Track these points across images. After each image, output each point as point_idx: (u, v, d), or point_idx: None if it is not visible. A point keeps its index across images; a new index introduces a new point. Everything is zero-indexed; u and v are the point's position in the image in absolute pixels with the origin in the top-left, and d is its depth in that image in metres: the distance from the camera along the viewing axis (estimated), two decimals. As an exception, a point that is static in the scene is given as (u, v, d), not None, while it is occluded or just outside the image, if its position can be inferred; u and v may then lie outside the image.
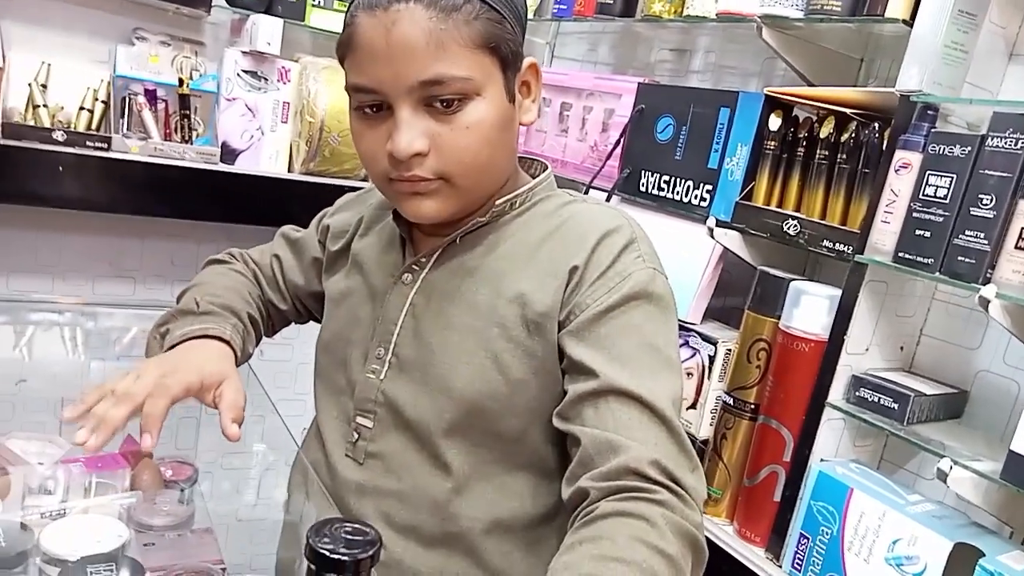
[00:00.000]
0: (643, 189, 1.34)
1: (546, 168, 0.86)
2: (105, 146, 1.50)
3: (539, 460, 0.77)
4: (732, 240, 1.19)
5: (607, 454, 0.65)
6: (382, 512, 0.79)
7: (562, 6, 1.43)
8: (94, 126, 1.54)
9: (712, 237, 1.20)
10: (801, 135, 1.14)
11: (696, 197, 1.25)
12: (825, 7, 1.06)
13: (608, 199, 1.37)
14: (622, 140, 1.36)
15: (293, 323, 1.05)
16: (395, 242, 0.86)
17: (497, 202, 0.78)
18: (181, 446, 1.58)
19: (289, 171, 1.75)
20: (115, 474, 1.12)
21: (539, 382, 0.74)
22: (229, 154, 1.66)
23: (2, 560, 0.89)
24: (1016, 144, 0.85)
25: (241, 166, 1.68)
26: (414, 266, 0.80)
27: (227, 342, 0.86)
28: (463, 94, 0.69)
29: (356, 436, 0.82)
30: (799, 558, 1.03)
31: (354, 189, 1.83)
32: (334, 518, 0.55)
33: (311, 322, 1.05)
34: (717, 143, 1.22)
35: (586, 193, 1.40)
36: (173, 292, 1.95)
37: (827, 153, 1.09)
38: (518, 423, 0.75)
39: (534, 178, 0.83)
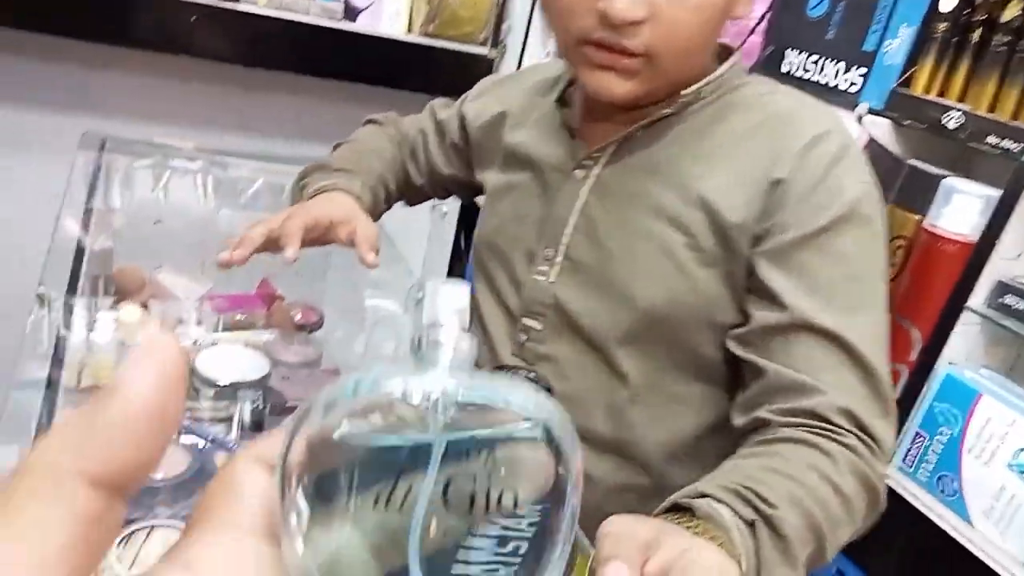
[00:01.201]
0: (786, 70, 1.26)
1: (730, 52, 0.76)
2: (236, -4, 1.50)
3: (712, 371, 0.73)
4: (881, 130, 1.12)
5: (794, 394, 0.61)
6: None
7: None
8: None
9: (860, 124, 1.13)
10: (978, 18, 1.04)
11: (846, 81, 1.17)
12: None
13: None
14: (768, 13, 1.28)
15: (431, 198, 1.03)
16: (559, 132, 0.79)
17: (684, 92, 0.71)
18: (308, 293, 1.67)
19: (408, 32, 1.73)
20: (253, 313, 1.21)
21: (727, 294, 0.69)
22: (351, 10, 1.65)
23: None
24: None
25: (362, 24, 1.67)
26: (586, 160, 0.75)
27: (357, 197, 0.88)
28: None
29: (524, 337, 0.79)
30: (912, 455, 1.03)
31: (472, 56, 1.82)
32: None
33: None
34: (878, 23, 1.13)
35: (722, 71, 1.34)
36: (296, 147, 2.01)
37: (1008, 39, 1.00)
38: (698, 335, 0.71)
39: (720, 63, 0.74)
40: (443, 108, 0.98)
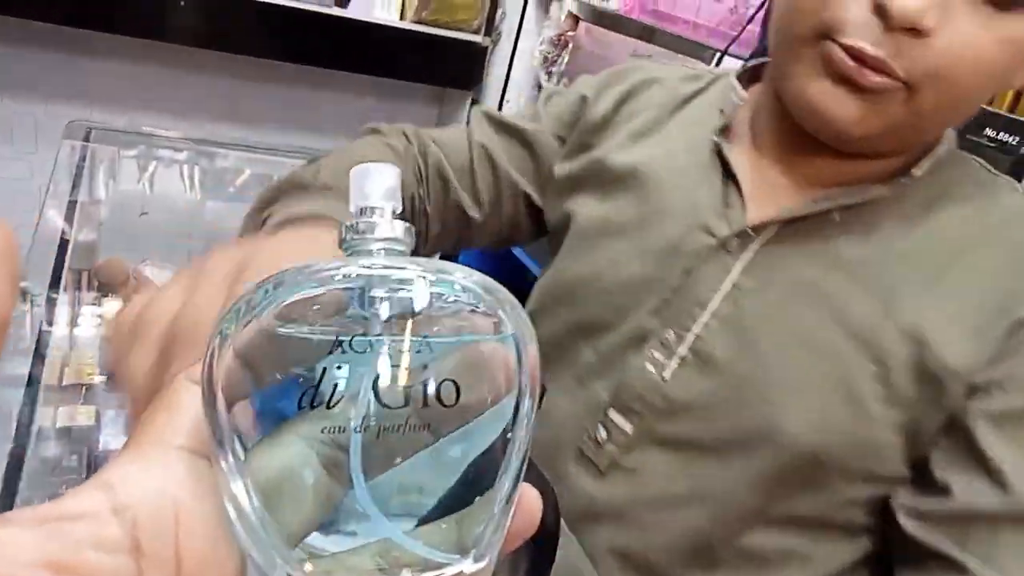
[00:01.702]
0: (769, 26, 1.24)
1: None
2: (224, -19, 1.47)
3: (839, 530, 0.56)
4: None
5: None
6: (617, 547, 0.57)
7: None
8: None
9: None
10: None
11: (845, 71, 1.15)
12: None
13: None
14: (767, 2, 1.25)
15: (480, 244, 0.71)
16: (711, 174, 0.57)
17: (914, 172, 0.53)
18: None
19: (401, 19, 1.70)
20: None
21: (901, 445, 0.51)
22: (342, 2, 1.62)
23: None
24: None
25: (353, 10, 1.64)
26: (749, 231, 0.54)
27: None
28: None
29: (605, 435, 0.58)
30: None
31: (466, 44, 1.79)
32: None
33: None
34: (878, 11, 1.11)
35: (718, 62, 1.31)
36: (286, 136, 1.97)
37: None
38: (841, 485, 0.53)
39: None
40: (506, 116, 0.70)
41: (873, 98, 0.47)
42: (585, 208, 0.63)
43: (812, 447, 0.51)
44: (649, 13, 1.45)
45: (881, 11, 0.44)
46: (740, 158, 0.57)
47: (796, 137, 0.54)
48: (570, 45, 1.65)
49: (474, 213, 0.67)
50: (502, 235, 0.70)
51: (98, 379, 0.96)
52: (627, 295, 0.58)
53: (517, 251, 1.57)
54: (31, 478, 0.70)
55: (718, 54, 1.32)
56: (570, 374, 0.61)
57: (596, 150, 0.65)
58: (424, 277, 0.21)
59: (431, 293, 0.21)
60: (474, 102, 1.87)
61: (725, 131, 0.58)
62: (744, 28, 1.28)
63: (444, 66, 1.78)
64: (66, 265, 1.10)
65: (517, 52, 1.77)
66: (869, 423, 0.50)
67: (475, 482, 0.21)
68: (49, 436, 0.81)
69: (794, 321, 0.52)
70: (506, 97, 1.84)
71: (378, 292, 0.21)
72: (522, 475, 0.22)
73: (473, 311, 0.22)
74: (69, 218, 1.23)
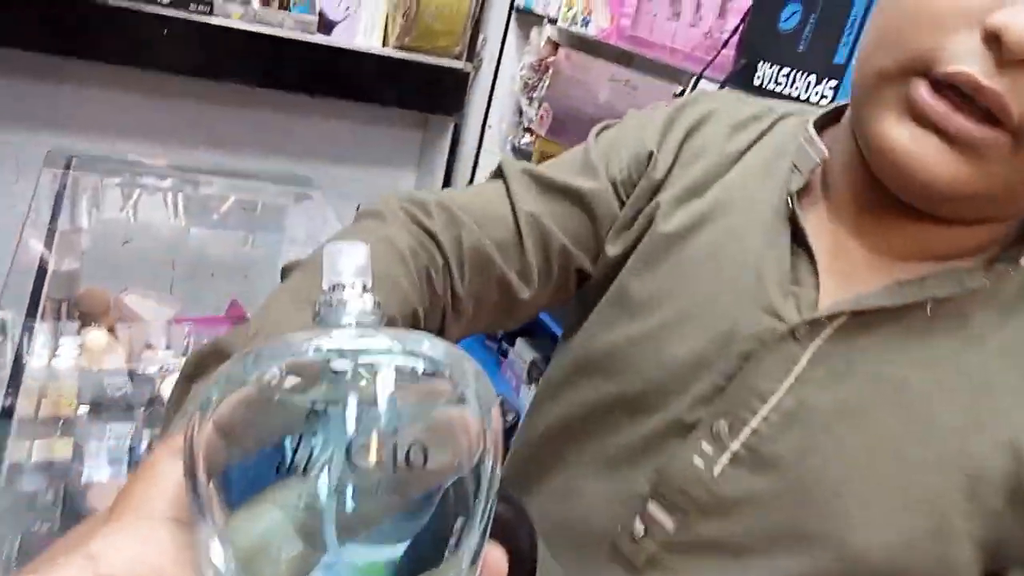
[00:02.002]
0: (758, 82, 1.26)
1: None
2: (207, 10, 1.49)
3: None
4: (854, 142, 1.12)
5: None
6: None
7: None
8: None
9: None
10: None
11: (817, 94, 1.17)
12: None
13: (722, 89, 1.30)
14: (740, 27, 1.28)
15: (520, 321, 0.60)
16: (781, 240, 0.48)
17: (1016, 260, 0.44)
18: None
19: (384, 45, 1.72)
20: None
21: (978, 560, 0.45)
22: (325, 24, 1.64)
23: (128, 405, 0.96)
24: None
25: (336, 38, 1.65)
26: (823, 319, 0.46)
27: None
28: None
29: (642, 531, 0.51)
30: None
31: (447, 70, 1.81)
32: None
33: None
34: (848, 36, 1.13)
35: (694, 85, 1.34)
36: (268, 163, 1.96)
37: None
38: None
39: None
40: (549, 170, 0.58)
41: (969, 152, 0.38)
42: (631, 274, 0.55)
43: (883, 563, 0.44)
44: (627, 39, 1.47)
45: (995, 40, 0.36)
46: (813, 224, 0.48)
47: (878, 197, 0.45)
48: (550, 70, 1.68)
49: (523, 293, 0.56)
50: (547, 305, 0.60)
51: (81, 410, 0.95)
52: (674, 376, 0.50)
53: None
54: (5, 514, 0.69)
55: (694, 78, 1.34)
56: (602, 454, 0.54)
57: (646, 207, 0.56)
58: (393, 348, 0.23)
59: (399, 363, 0.23)
60: (456, 127, 1.89)
61: (800, 192, 0.48)
62: (719, 52, 1.30)
63: (427, 92, 1.80)
64: (44, 293, 1.09)
65: (498, 77, 1.79)
66: (949, 539, 0.44)
67: (443, 541, 0.22)
68: (24, 470, 0.80)
69: (871, 424, 0.45)
70: (488, 121, 1.86)
71: (350, 362, 0.22)
72: (488, 532, 0.23)
73: (440, 378, 0.23)
74: (49, 246, 1.23)
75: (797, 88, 1.21)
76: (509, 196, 0.56)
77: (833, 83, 1.16)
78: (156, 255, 1.60)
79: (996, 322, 0.44)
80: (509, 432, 0.57)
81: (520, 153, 1.80)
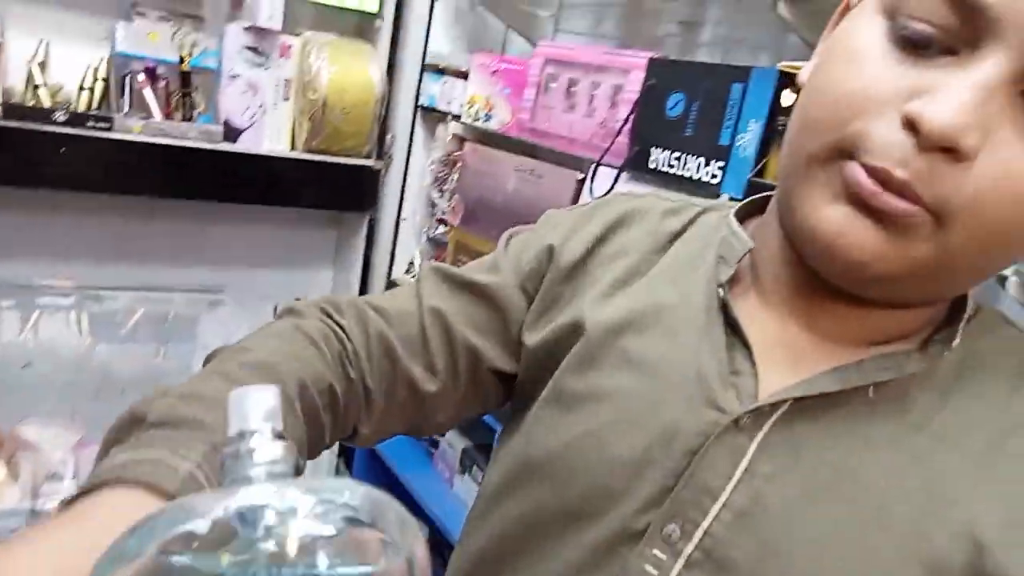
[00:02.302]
0: (652, 166, 1.33)
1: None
2: (107, 126, 1.47)
3: None
4: (744, 218, 1.18)
5: None
6: None
7: (569, -21, 1.41)
8: (95, 105, 1.52)
9: (724, 215, 1.19)
10: (815, 111, 1.12)
11: (707, 174, 1.24)
12: (841, -20, 1.04)
13: (617, 176, 1.36)
14: (631, 117, 1.35)
15: (442, 421, 0.60)
16: (715, 332, 0.49)
17: (948, 342, 0.45)
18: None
19: (292, 149, 1.73)
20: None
21: None
22: (231, 132, 1.64)
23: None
24: None
25: (244, 145, 1.66)
26: (765, 408, 0.45)
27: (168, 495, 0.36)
28: None
29: None
30: None
31: (358, 168, 1.84)
32: None
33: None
34: (729, 119, 1.21)
35: (594, 172, 1.39)
36: (177, 274, 1.94)
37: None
38: None
39: None
40: (460, 272, 0.59)
41: (896, 229, 0.39)
42: (567, 372, 0.53)
43: None
44: (528, 131, 1.53)
45: (913, 126, 0.37)
46: (746, 313, 0.48)
47: (809, 283, 0.46)
48: (458, 164, 1.72)
49: (429, 386, 0.56)
50: (466, 407, 0.60)
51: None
52: (619, 478, 0.48)
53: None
54: None
55: (594, 164, 1.40)
56: (550, 571, 0.51)
57: (570, 308, 0.56)
58: (307, 503, 0.21)
59: (316, 514, 0.21)
60: (371, 223, 1.91)
61: (730, 283, 0.49)
62: (613, 140, 1.37)
63: (339, 191, 1.81)
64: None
65: (409, 173, 1.83)
66: None
67: None
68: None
69: (824, 515, 0.43)
70: (402, 215, 1.89)
71: (260, 519, 0.21)
72: None
73: (360, 528, 0.22)
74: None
75: (688, 169, 1.27)
76: (417, 294, 0.58)
77: (720, 163, 1.23)
78: (60, 376, 1.53)
79: (936, 405, 0.44)
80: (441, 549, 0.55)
81: (436, 244, 1.83)
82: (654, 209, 0.58)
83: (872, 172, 0.38)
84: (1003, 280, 0.88)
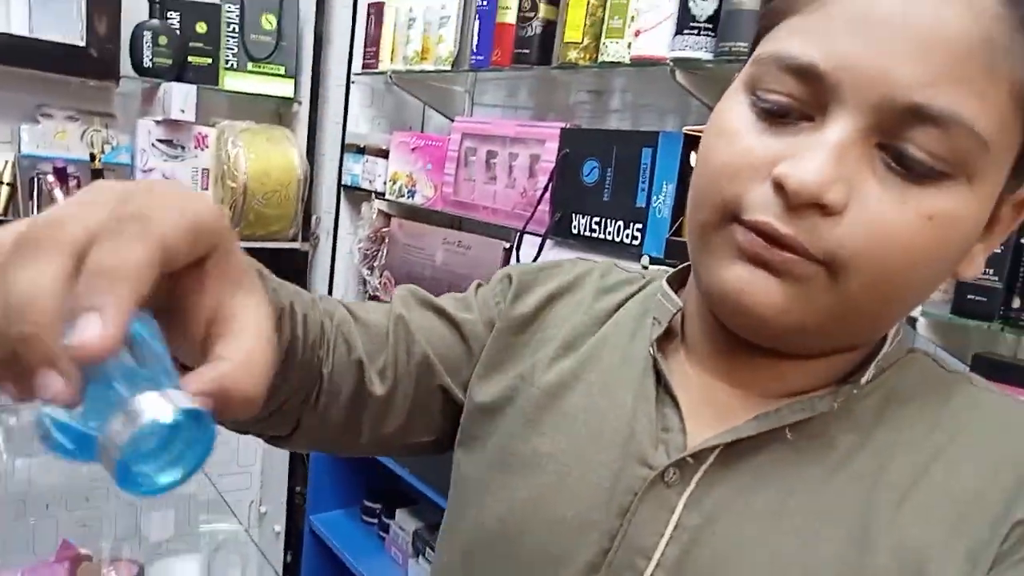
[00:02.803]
0: (575, 231, 1.36)
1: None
2: (15, 231, 1.43)
3: None
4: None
5: None
6: None
7: (480, 57, 1.45)
8: (2, 210, 1.47)
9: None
10: (722, 170, 1.17)
11: (628, 236, 1.27)
12: (733, 49, 1.10)
13: (542, 243, 1.38)
14: (550, 185, 1.38)
15: (374, 436, 0.58)
16: (648, 391, 0.50)
17: (858, 380, 0.46)
18: (121, 537, 1.50)
19: (214, 238, 1.71)
20: (53, 584, 1.06)
21: None
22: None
23: None
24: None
25: (163, 238, 1.63)
26: (689, 459, 0.46)
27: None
28: (955, 163, 0.39)
29: None
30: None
31: (285, 251, 1.82)
32: None
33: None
34: (643, 182, 1.25)
35: (519, 240, 1.41)
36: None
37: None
38: None
39: None
40: (430, 296, 0.61)
41: (794, 283, 0.41)
42: (512, 436, 0.54)
43: None
44: (452, 204, 1.55)
45: (781, 189, 0.39)
46: (677, 372, 0.51)
47: (727, 340, 0.48)
48: (386, 240, 1.72)
49: (377, 388, 0.55)
50: (407, 427, 0.58)
51: None
52: (561, 543, 0.49)
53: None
54: None
55: (518, 233, 1.42)
56: None
57: (519, 366, 0.57)
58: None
59: None
60: (302, 304, 1.88)
61: (662, 342, 0.51)
62: (535, 209, 1.39)
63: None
64: None
65: (337, 251, 1.82)
66: None
67: None
68: None
69: (756, 563, 0.44)
70: (333, 294, 1.87)
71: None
72: None
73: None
74: None
75: (609, 233, 1.30)
76: (390, 305, 0.59)
77: (639, 225, 1.26)
78: (-25, 498, 1.44)
79: (857, 444, 0.45)
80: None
81: (370, 321, 1.82)
82: (608, 277, 0.60)
83: (755, 227, 0.41)
84: (913, 322, 0.92)
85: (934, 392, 0.48)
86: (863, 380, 0.46)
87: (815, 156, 0.39)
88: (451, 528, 0.58)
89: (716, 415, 0.48)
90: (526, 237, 1.42)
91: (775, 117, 0.42)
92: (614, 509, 0.47)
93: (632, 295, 0.58)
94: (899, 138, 0.39)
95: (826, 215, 0.39)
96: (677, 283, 0.56)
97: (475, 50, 1.46)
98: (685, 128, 1.18)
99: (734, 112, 0.44)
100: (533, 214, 1.40)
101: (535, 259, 1.38)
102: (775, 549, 0.43)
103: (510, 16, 1.37)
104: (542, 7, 1.33)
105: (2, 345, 0.25)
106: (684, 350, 0.52)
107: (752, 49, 0.45)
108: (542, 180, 1.40)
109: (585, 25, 1.26)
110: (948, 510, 0.42)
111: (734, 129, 0.43)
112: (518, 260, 1.42)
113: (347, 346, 0.55)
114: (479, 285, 0.63)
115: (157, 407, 0.25)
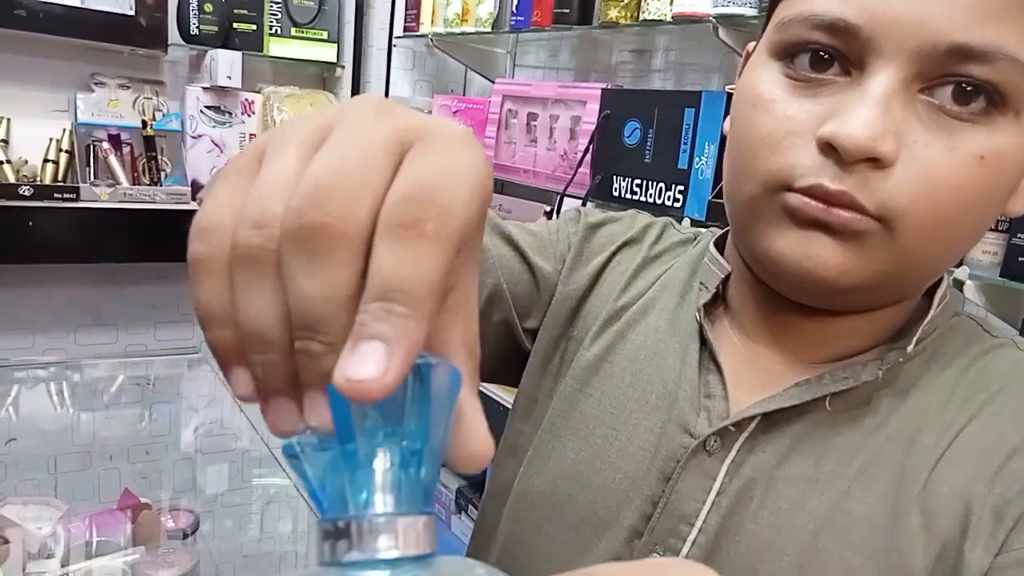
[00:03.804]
0: (616, 194, 1.35)
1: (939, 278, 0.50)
2: (74, 196, 1.48)
3: None
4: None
5: None
6: None
7: (520, 17, 1.44)
8: (60, 177, 1.53)
9: (688, 238, 1.21)
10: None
11: (669, 199, 1.26)
12: (778, 3, 1.07)
13: (584, 205, 1.38)
14: (591, 147, 1.37)
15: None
16: (693, 356, 0.51)
17: (903, 348, 0.46)
18: (179, 489, 1.57)
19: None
20: (116, 530, 1.12)
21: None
22: (199, 191, 1.66)
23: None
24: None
25: (213, 202, 1.68)
26: (730, 427, 0.47)
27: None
28: (1004, 96, 0.38)
29: None
30: None
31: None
32: None
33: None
34: (685, 143, 1.23)
35: (560, 203, 1.41)
36: (156, 336, 1.94)
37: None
38: None
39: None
40: (528, 242, 0.59)
41: (852, 241, 0.40)
42: (559, 402, 0.55)
43: None
44: (493, 167, 1.55)
45: (831, 149, 0.39)
46: (722, 338, 0.50)
47: (769, 302, 0.48)
48: (428, 203, 1.74)
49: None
50: (493, 348, 0.58)
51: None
52: (606, 506, 0.49)
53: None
54: None
55: (559, 196, 1.42)
56: None
57: (575, 325, 0.57)
58: None
59: None
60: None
61: (708, 307, 0.51)
62: (576, 172, 1.39)
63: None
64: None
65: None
66: None
67: None
68: None
69: (797, 531, 0.44)
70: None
71: None
72: None
73: None
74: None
75: (650, 195, 1.29)
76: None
77: (681, 187, 1.25)
78: (44, 449, 1.52)
79: (895, 406, 0.45)
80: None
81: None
82: (665, 236, 0.60)
83: (809, 192, 0.40)
84: (960, 285, 0.90)
85: (978, 356, 0.47)
86: (908, 348, 0.45)
87: (861, 110, 0.38)
88: (498, 488, 0.58)
89: (759, 381, 0.48)
90: (566, 200, 1.42)
91: (809, 80, 0.41)
92: (655, 475, 0.48)
93: (680, 256, 0.58)
94: (944, 80, 0.38)
95: (877, 169, 0.39)
96: (723, 246, 0.55)
97: (515, 11, 1.44)
98: (728, 87, 1.16)
99: (766, 81, 0.43)
100: (574, 176, 1.40)
101: (575, 222, 1.38)
102: (811, 514, 0.44)
103: (550, -25, 1.35)
104: (583, -35, 1.30)
105: (277, 344, 0.21)
106: (728, 315, 0.52)
107: (769, 16, 0.44)
108: (583, 142, 1.39)
109: (626, -17, 1.23)
110: (985, 463, 0.42)
111: (769, 98, 0.42)
112: (559, 223, 1.43)
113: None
114: (549, 221, 0.62)
115: (383, 542, 0.20)
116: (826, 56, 0.40)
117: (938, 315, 0.48)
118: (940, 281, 0.49)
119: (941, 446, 0.44)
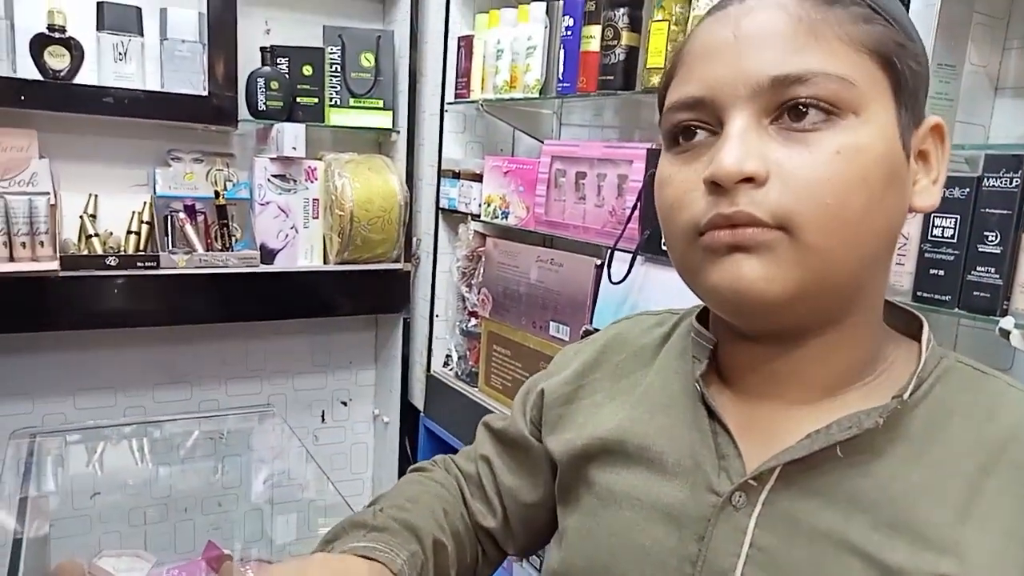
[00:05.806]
0: (664, 248, 1.39)
1: (916, 318, 0.56)
2: (154, 264, 1.60)
3: None
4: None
5: None
6: None
7: (566, 84, 1.51)
8: (142, 247, 1.65)
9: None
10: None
11: (716, 252, 1.30)
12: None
13: (633, 259, 1.43)
14: (638, 204, 1.43)
15: (509, 555, 0.73)
16: (701, 423, 0.56)
17: (901, 396, 0.49)
18: (249, 539, 1.64)
19: (325, 263, 1.84)
20: (200, 581, 1.19)
21: None
22: (268, 254, 1.76)
23: None
24: (1011, 183, 0.90)
25: (280, 264, 1.77)
26: (751, 481, 0.50)
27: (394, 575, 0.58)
28: (833, 104, 0.46)
29: None
30: None
31: (389, 272, 1.94)
32: None
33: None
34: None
35: (611, 257, 1.46)
36: (227, 391, 2.04)
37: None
38: None
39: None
40: (498, 419, 0.74)
41: (766, 254, 0.46)
42: (588, 486, 0.61)
43: None
44: (544, 223, 1.62)
45: (715, 186, 0.47)
46: (720, 401, 0.55)
47: (750, 353, 0.54)
48: (483, 259, 1.81)
49: (489, 522, 0.70)
50: (529, 536, 0.71)
51: None
52: (644, 573, 0.54)
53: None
54: None
55: (610, 250, 1.47)
56: None
57: (577, 424, 0.65)
58: None
59: None
60: (406, 321, 1.99)
61: (703, 376, 0.56)
62: (625, 227, 1.44)
63: (373, 295, 1.91)
64: (21, 565, 1.10)
65: (437, 270, 1.92)
66: None
67: None
68: None
69: (829, 570, 0.48)
70: (435, 312, 1.97)
71: None
72: None
73: None
74: (20, 515, 1.24)
75: (698, 249, 1.34)
76: (475, 447, 0.75)
77: (727, 240, 1.29)
78: (127, 503, 1.61)
79: (911, 458, 0.49)
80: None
81: (469, 335, 1.90)
82: (638, 327, 0.69)
83: (713, 225, 0.47)
84: (1006, 334, 0.92)
85: (977, 397, 0.51)
86: (905, 396, 0.49)
87: (725, 148, 0.47)
88: (546, 573, 0.64)
89: (764, 435, 0.53)
90: (617, 254, 1.47)
91: (689, 149, 0.50)
92: (690, 536, 0.52)
93: (667, 336, 0.65)
94: (782, 108, 0.47)
95: (758, 186, 0.46)
96: (705, 320, 0.61)
97: (561, 78, 1.52)
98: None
99: (664, 166, 0.53)
100: (623, 232, 1.45)
101: (626, 275, 1.43)
102: (846, 563, 0.47)
103: (594, 44, 1.42)
104: (624, 35, 1.38)
105: None
106: (720, 380, 0.58)
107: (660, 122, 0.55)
108: (630, 199, 1.45)
109: (667, 51, 1.30)
110: (1004, 527, 0.46)
111: (668, 175, 0.52)
112: (610, 277, 1.47)
113: (463, 497, 0.72)
114: (527, 391, 0.73)
115: None
116: (694, 127, 0.50)
117: (929, 359, 0.52)
118: (920, 325, 0.54)
119: (963, 499, 0.47)
